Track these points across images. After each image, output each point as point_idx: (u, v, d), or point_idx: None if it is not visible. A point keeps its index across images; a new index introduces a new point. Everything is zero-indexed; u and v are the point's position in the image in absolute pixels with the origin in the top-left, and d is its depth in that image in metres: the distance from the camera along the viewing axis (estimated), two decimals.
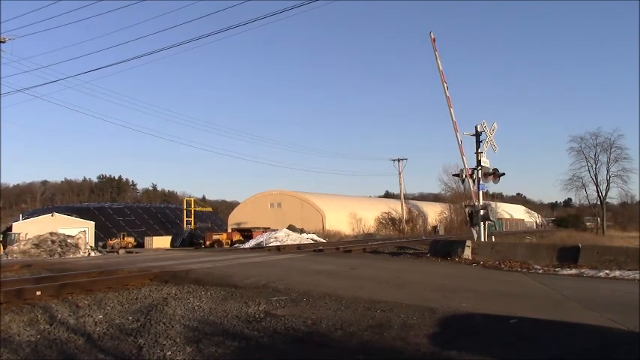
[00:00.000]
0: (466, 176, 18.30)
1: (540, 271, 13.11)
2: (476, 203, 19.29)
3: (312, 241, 37.05)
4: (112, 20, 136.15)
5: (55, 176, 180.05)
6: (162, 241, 48.26)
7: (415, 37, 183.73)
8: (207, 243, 43.24)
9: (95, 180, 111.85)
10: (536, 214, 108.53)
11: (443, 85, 17.02)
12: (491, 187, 26.97)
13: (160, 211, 66.55)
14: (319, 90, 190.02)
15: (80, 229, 35.29)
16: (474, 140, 19.59)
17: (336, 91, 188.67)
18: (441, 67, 16.88)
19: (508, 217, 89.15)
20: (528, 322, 6.59)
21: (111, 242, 44.85)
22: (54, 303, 8.39)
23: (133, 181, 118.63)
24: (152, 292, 9.60)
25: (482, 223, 18.91)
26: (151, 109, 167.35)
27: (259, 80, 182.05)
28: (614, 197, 69.89)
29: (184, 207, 60.15)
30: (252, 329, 6.48)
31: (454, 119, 17.86)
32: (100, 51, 73.54)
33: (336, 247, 27.86)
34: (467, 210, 20.00)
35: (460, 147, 18.85)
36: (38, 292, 9.04)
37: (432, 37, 16.74)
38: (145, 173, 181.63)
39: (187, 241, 47.95)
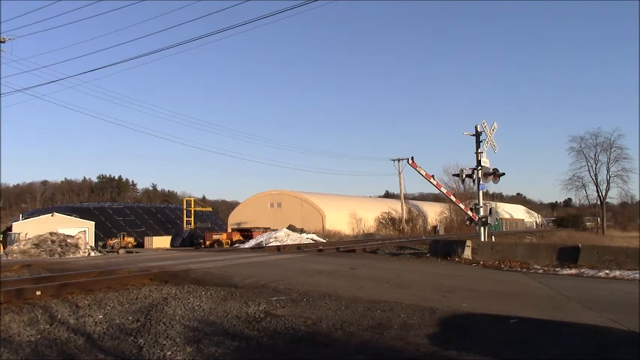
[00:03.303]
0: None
1: (540, 271, 13.12)
2: (471, 215, 20.00)
3: (312, 241, 37.06)
4: (112, 20, 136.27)
5: (55, 176, 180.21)
6: (162, 241, 48.24)
7: (415, 37, 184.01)
8: (207, 243, 43.22)
9: (95, 180, 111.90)
10: (536, 214, 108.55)
11: (429, 180, 20.51)
12: (492, 187, 27.93)
13: (160, 211, 66.48)
14: (319, 90, 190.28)
15: (80, 229, 35.33)
16: (474, 140, 19.63)
17: (337, 91, 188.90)
18: (424, 174, 20.18)
19: (508, 217, 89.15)
20: (528, 322, 6.60)
21: (111, 242, 44.84)
22: (54, 303, 8.39)
23: (133, 181, 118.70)
24: (152, 292, 9.60)
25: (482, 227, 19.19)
26: (151, 109, 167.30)
27: (259, 80, 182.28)
28: (614, 197, 69.76)
29: (184, 207, 60.05)
30: (252, 329, 6.48)
31: (444, 191, 24.36)
32: (100, 51, 73.59)
33: (336, 247, 27.89)
34: (467, 222, 22.35)
35: (453, 199, 24.80)
36: (38, 292, 9.04)
37: (411, 161, 19.95)
38: (145, 173, 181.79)
39: (187, 241, 47.95)
